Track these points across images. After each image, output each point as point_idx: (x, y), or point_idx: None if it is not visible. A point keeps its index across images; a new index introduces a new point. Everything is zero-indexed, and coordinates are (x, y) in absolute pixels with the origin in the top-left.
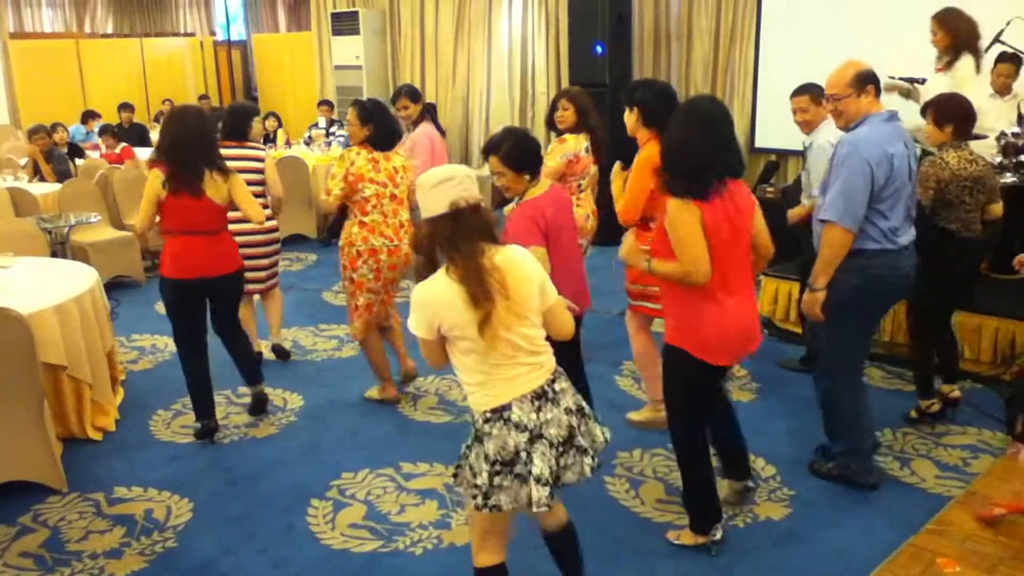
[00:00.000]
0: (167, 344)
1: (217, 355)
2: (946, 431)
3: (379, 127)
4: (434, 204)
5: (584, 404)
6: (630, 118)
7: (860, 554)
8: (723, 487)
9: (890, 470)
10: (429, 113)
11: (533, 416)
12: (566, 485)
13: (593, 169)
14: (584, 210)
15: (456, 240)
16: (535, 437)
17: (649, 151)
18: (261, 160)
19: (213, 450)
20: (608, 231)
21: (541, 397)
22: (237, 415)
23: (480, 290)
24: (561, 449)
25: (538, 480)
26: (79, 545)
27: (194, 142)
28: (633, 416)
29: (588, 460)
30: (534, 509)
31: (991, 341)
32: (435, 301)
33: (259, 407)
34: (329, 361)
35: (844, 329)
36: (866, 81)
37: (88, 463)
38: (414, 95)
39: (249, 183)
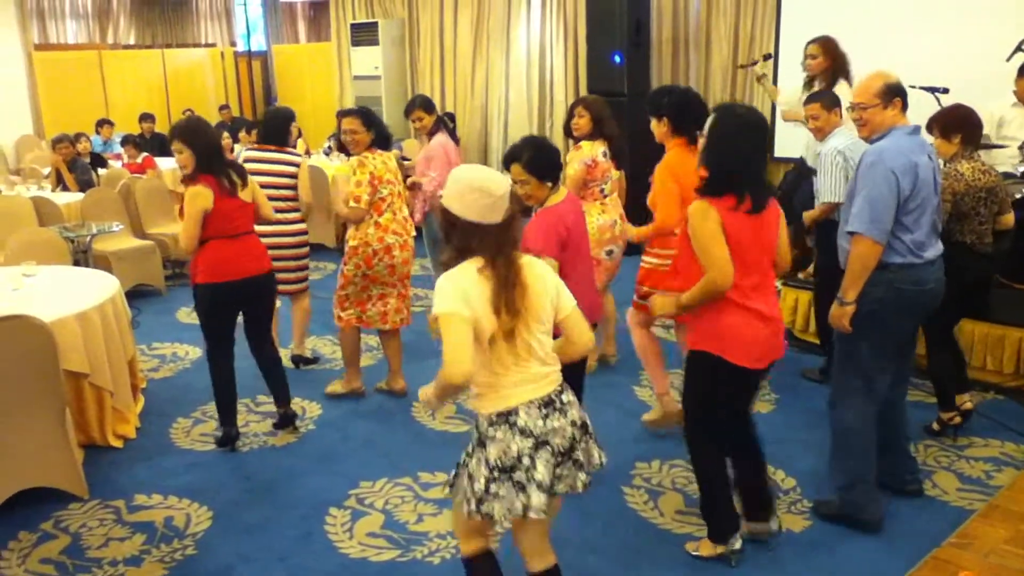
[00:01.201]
0: (187, 352)
1: (238, 364)
2: (968, 443)
3: (379, 130)
4: (492, 214)
5: (588, 421)
6: (659, 127)
7: (882, 567)
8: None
9: None
10: (443, 124)
11: (540, 423)
12: (554, 495)
13: (616, 174)
14: (611, 215)
15: (504, 247)
16: (540, 444)
17: (668, 158)
18: (296, 166)
19: (232, 458)
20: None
21: (549, 405)
22: (257, 423)
23: (510, 298)
24: (559, 459)
25: (539, 486)
26: (100, 552)
27: (219, 147)
28: (646, 417)
29: (582, 476)
30: (531, 515)
31: (1013, 351)
32: (466, 284)
33: (286, 422)
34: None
35: (860, 343)
36: (893, 94)
37: (109, 470)
38: (428, 106)
39: (282, 187)
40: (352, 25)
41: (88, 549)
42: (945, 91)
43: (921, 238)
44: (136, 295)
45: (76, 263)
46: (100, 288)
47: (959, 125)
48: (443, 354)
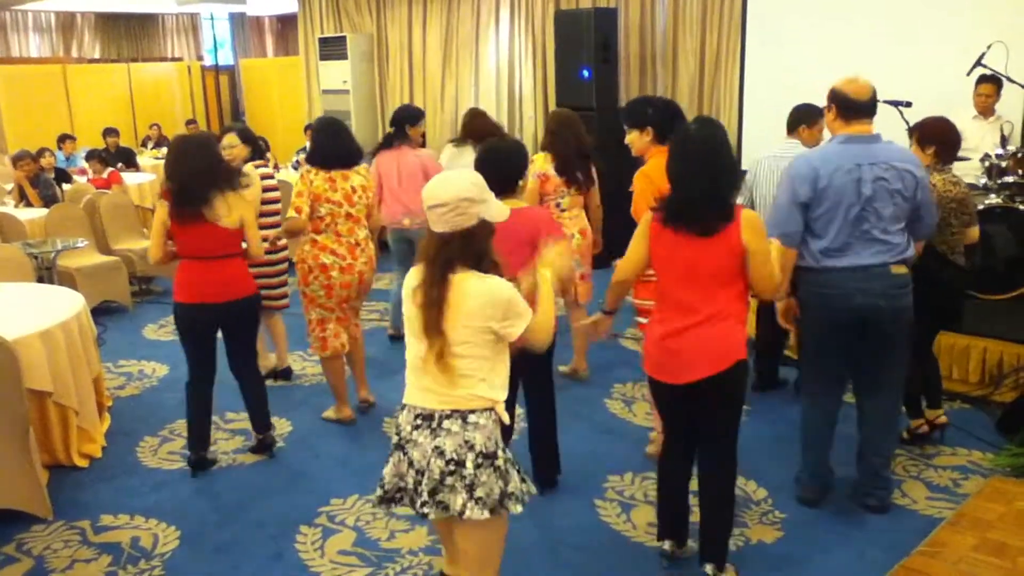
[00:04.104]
0: (154, 370)
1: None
2: (936, 452)
3: (328, 145)
4: (434, 224)
5: (466, 460)
6: (641, 138)
7: None
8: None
9: None
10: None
11: (407, 428)
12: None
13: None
14: (569, 230)
15: (438, 261)
16: (399, 445)
17: (650, 166)
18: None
19: (201, 477)
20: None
21: (427, 419)
22: (225, 441)
23: (434, 315)
24: (418, 478)
25: (379, 481)
26: (64, 575)
27: (195, 170)
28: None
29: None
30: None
31: (979, 362)
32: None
33: (263, 448)
34: (317, 386)
35: (808, 345)
36: (828, 101)
37: (74, 491)
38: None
39: (272, 200)
40: (320, 39)
41: (52, 572)
42: (908, 104)
43: (828, 244)
44: (102, 312)
45: (40, 280)
46: (64, 305)
47: (937, 139)
48: None
